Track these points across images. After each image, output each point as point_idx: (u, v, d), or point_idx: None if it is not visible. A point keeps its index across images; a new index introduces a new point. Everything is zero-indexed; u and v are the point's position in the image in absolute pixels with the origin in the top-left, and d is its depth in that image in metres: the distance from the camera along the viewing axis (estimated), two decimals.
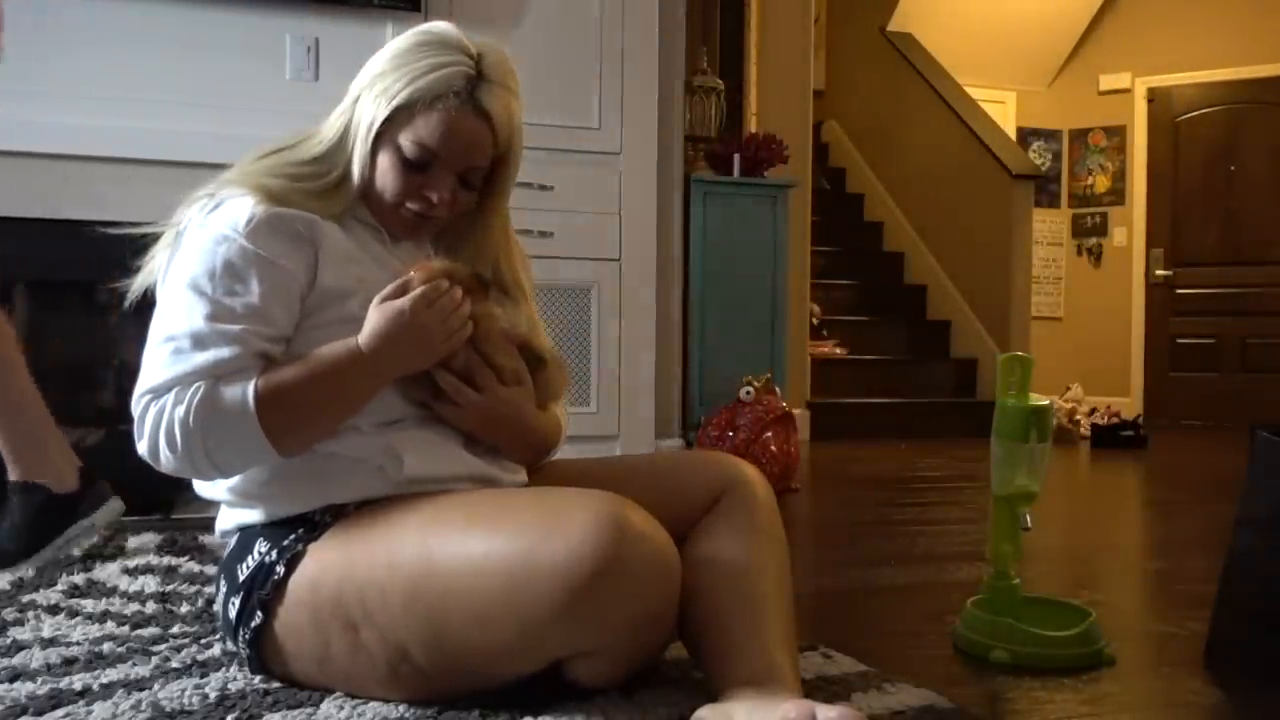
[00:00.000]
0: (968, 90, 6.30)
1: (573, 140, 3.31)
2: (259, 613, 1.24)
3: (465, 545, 1.12)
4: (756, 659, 1.15)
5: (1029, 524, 1.58)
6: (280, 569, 1.22)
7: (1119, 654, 1.52)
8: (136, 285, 1.34)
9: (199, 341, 1.18)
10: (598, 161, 3.36)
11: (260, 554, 1.25)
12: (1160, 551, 2.64)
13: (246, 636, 1.26)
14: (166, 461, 1.20)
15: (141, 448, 1.20)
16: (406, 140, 1.27)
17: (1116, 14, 7.00)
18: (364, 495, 1.24)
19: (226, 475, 1.24)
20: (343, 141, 1.31)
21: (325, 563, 1.20)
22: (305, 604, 1.21)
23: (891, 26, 6.56)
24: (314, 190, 1.29)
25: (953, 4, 6.70)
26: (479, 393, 1.28)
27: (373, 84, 1.29)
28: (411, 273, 1.25)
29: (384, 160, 1.29)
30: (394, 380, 1.25)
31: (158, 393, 1.18)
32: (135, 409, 1.21)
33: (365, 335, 1.22)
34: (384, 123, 1.27)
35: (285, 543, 1.24)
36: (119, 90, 2.72)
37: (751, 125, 4.61)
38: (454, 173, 1.30)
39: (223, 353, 1.18)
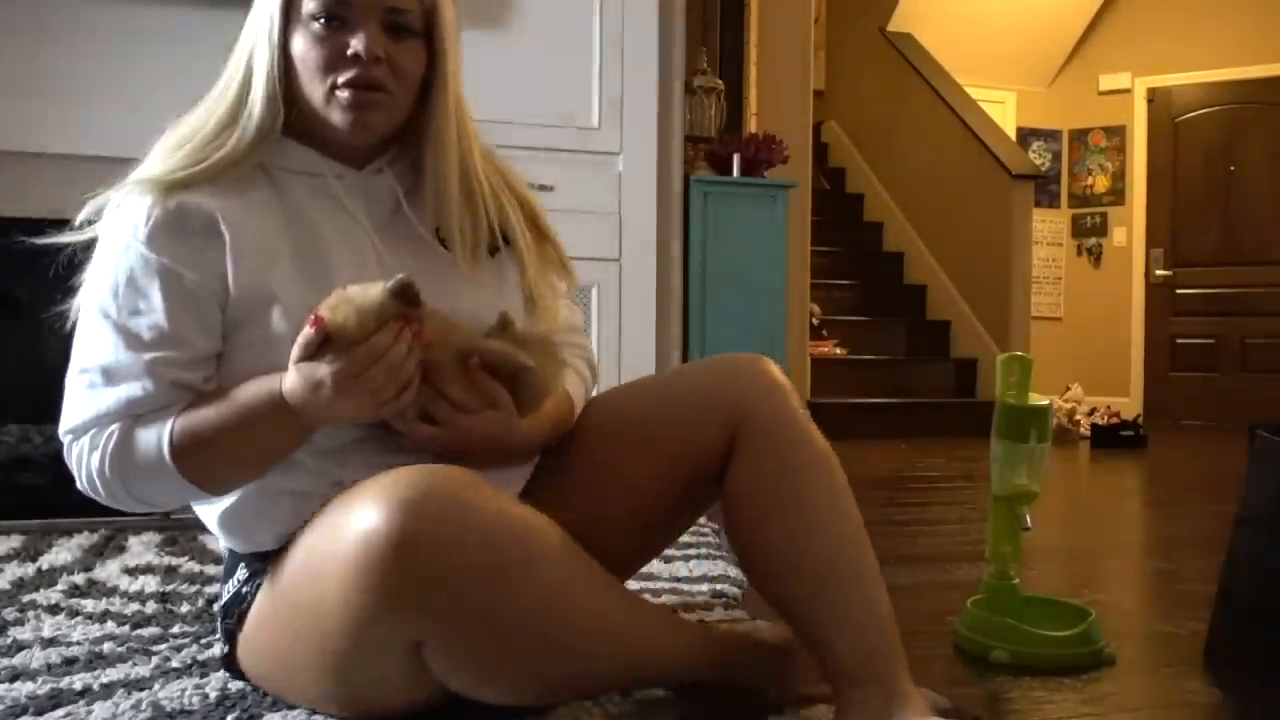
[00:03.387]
0: (968, 90, 6.30)
1: (573, 140, 3.31)
2: (228, 639, 1.23)
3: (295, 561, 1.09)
4: (824, 652, 1.10)
5: (1029, 524, 1.58)
6: (248, 600, 1.19)
7: (1119, 654, 1.52)
8: (75, 306, 1.16)
9: (109, 376, 1.07)
10: (598, 161, 3.36)
11: (238, 581, 1.22)
12: (1160, 551, 2.64)
13: (224, 652, 1.25)
14: (105, 501, 1.12)
15: (79, 486, 1.13)
16: (310, 4, 1.10)
17: (1116, 14, 7.00)
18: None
19: (169, 508, 1.18)
20: (248, 73, 1.13)
21: (263, 601, 1.16)
22: (259, 639, 1.17)
23: (891, 26, 6.56)
24: (229, 155, 1.11)
25: (953, 4, 6.70)
26: (437, 426, 1.09)
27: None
28: (322, 312, 1.00)
29: (298, 47, 1.11)
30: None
31: (76, 434, 1.10)
32: (63, 447, 1.12)
33: (287, 387, 1.03)
34: (282, 12, 1.11)
35: (254, 573, 1.19)
36: (120, 90, 2.72)
37: (751, 125, 4.60)
38: (375, 21, 1.10)
39: (134, 389, 1.07)
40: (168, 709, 1.19)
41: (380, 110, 1.13)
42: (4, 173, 2.66)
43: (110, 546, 2.12)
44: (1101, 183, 7.15)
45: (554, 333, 1.25)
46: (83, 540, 2.16)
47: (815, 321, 5.38)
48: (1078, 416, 5.38)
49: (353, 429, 1.11)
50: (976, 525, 2.69)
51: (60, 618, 1.61)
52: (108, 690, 1.25)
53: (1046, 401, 1.58)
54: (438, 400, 1.07)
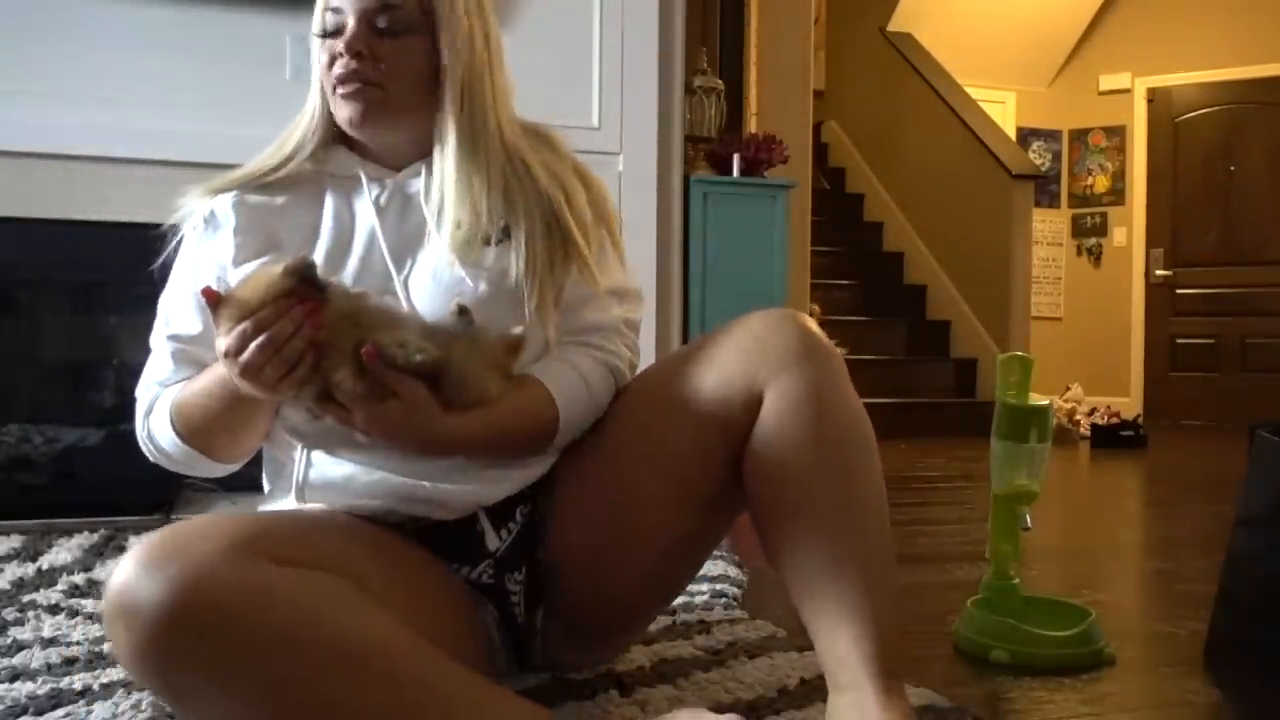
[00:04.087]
0: (968, 90, 6.30)
1: (573, 140, 3.31)
2: None
3: None
4: (825, 651, 1.06)
5: (1029, 524, 1.58)
6: None
7: (1119, 654, 1.52)
8: None
9: (151, 351, 1.23)
10: (598, 161, 3.33)
11: None
12: (1160, 551, 2.64)
13: None
14: (153, 458, 1.23)
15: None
16: (314, 24, 1.19)
17: (1116, 14, 7.00)
18: (292, 506, 1.15)
19: (201, 473, 1.23)
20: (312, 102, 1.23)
21: None
22: None
23: (891, 26, 6.56)
24: (282, 160, 1.21)
25: (953, 4, 6.70)
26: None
27: None
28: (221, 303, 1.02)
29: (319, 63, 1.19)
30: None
31: (137, 400, 1.23)
32: None
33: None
34: (317, 35, 1.19)
35: None
36: (119, 90, 2.72)
37: (751, 125, 4.60)
38: (362, 21, 1.15)
39: (161, 364, 1.21)
40: (167, 709, 1.19)
41: (369, 103, 1.16)
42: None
43: (110, 546, 2.13)
44: (1101, 183, 7.15)
45: (538, 330, 1.18)
46: (83, 540, 2.16)
47: (815, 321, 5.37)
48: (1078, 416, 5.38)
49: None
50: (976, 525, 2.69)
51: (60, 618, 1.61)
52: (108, 690, 1.25)
53: (1046, 401, 1.58)
54: (334, 385, 1.03)
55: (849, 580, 1.06)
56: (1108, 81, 7.07)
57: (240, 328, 0.98)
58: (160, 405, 1.19)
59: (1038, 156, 7.14)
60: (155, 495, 2.50)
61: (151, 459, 1.22)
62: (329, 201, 1.21)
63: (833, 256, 6.16)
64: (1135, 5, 6.93)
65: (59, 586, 1.80)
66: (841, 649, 1.04)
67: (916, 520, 2.83)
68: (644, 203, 3.44)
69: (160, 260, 1.26)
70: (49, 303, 2.94)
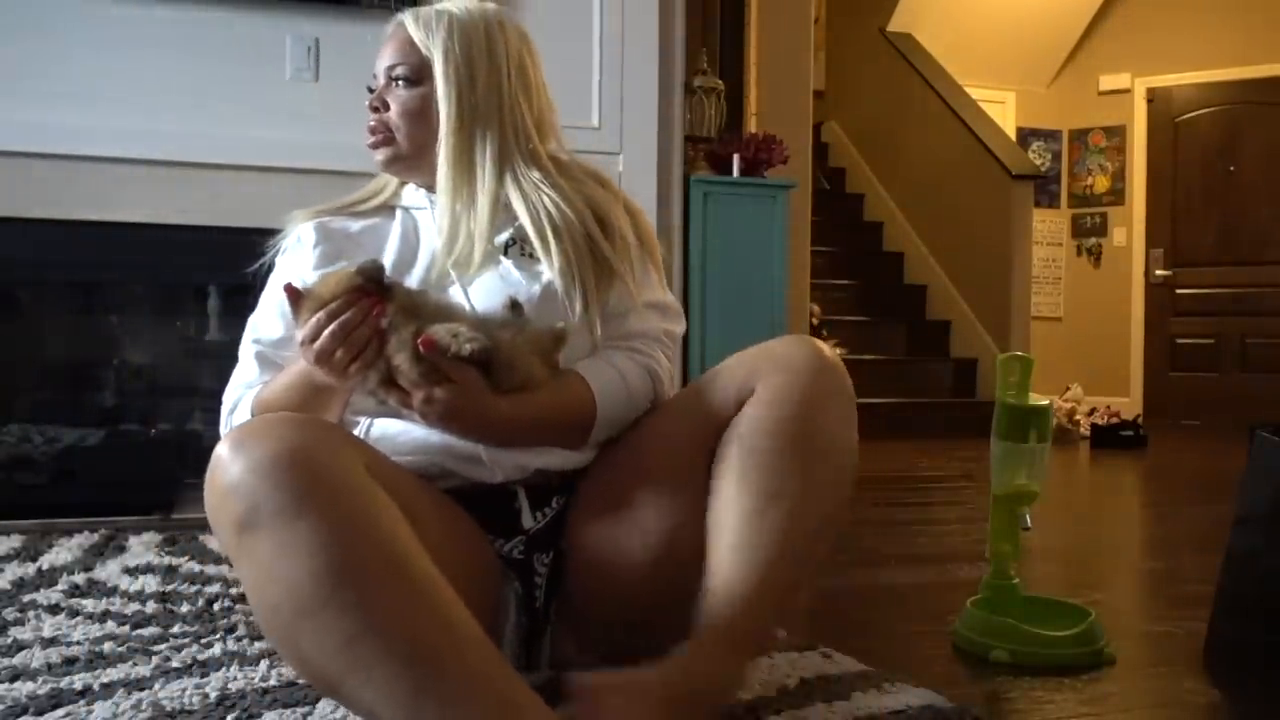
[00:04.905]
0: (968, 90, 6.30)
1: (572, 140, 3.30)
2: None
3: None
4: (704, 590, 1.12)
5: (1029, 524, 1.58)
6: None
7: (1119, 654, 1.52)
8: None
9: (239, 360, 1.35)
10: (597, 161, 3.35)
11: None
12: (1159, 551, 2.64)
13: None
14: None
15: None
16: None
17: (1116, 14, 7.00)
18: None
19: None
20: None
21: None
22: None
23: (891, 26, 6.56)
24: (366, 195, 1.42)
25: (953, 4, 6.70)
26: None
27: None
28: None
29: None
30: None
31: (224, 401, 1.35)
32: None
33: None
34: None
35: None
36: (119, 90, 2.72)
37: (751, 125, 4.60)
38: (387, 79, 1.35)
39: (244, 369, 1.33)
40: (168, 709, 1.19)
41: (382, 148, 1.36)
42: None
43: (110, 546, 2.13)
44: (1101, 183, 7.15)
45: (568, 330, 1.27)
46: (83, 540, 2.16)
47: (815, 321, 5.37)
48: (1078, 416, 5.38)
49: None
50: (977, 525, 2.69)
51: (60, 618, 1.61)
52: (108, 690, 1.26)
53: (1046, 401, 1.58)
54: (394, 369, 1.14)
55: (764, 548, 1.11)
56: (1107, 81, 7.07)
57: (316, 317, 1.11)
58: (244, 403, 1.29)
59: (1038, 156, 7.14)
60: (155, 495, 2.50)
61: None
62: (398, 229, 1.38)
63: (833, 256, 6.16)
64: (1135, 5, 6.93)
65: (59, 586, 1.80)
66: (716, 598, 1.09)
67: (917, 520, 2.83)
68: (644, 203, 3.42)
69: (256, 265, 1.41)
70: (49, 303, 2.94)
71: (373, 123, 1.36)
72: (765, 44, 4.67)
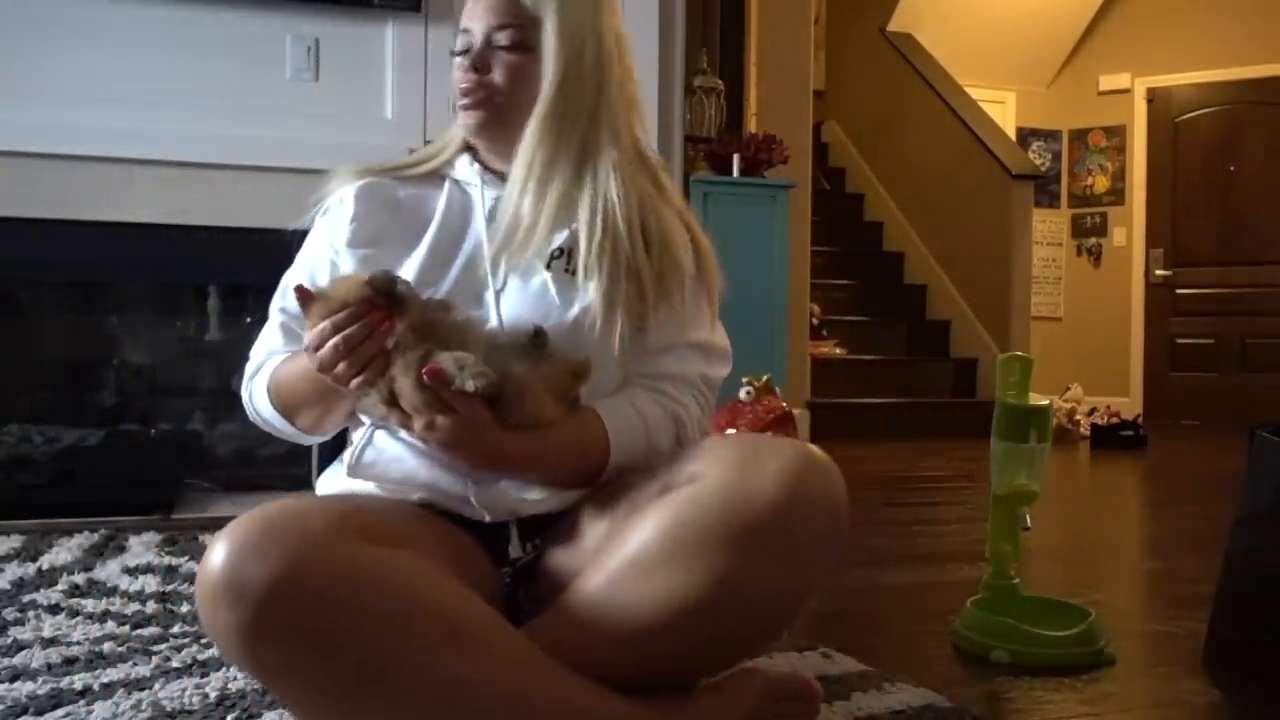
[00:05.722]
0: (967, 90, 6.30)
1: None
2: None
3: None
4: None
5: (1029, 524, 1.58)
6: None
7: (1119, 654, 1.53)
8: None
9: (269, 316, 1.31)
10: None
11: None
12: (1159, 551, 2.64)
13: None
14: (252, 418, 1.31)
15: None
16: (453, 46, 1.28)
17: (1116, 14, 7.00)
18: (343, 483, 1.20)
19: (290, 439, 1.31)
20: None
21: None
22: None
23: (891, 26, 6.56)
24: (417, 160, 1.32)
25: (953, 4, 6.70)
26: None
27: None
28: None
29: None
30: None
31: (249, 360, 1.31)
32: None
33: None
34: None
35: None
36: (119, 90, 2.72)
37: (751, 125, 4.60)
38: (483, 41, 1.23)
39: (270, 332, 1.29)
40: (168, 709, 1.19)
41: (476, 111, 1.24)
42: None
43: (110, 546, 2.13)
44: (1101, 183, 7.15)
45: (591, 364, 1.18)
46: (83, 540, 2.16)
47: (815, 321, 5.37)
48: (1078, 416, 5.38)
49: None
50: (976, 525, 2.69)
51: (60, 618, 1.61)
52: (108, 690, 1.26)
53: (1046, 401, 1.58)
54: (396, 392, 1.09)
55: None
56: (1107, 81, 7.07)
57: (320, 326, 1.06)
58: (263, 374, 1.27)
59: (1037, 156, 7.14)
60: (155, 495, 2.50)
61: (250, 417, 1.31)
62: (443, 204, 1.27)
63: (832, 256, 6.15)
64: (1135, 5, 6.93)
65: (59, 586, 1.80)
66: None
67: (917, 520, 2.83)
68: None
69: (299, 224, 1.33)
70: (49, 303, 2.94)
71: (467, 84, 1.23)
72: (765, 44, 4.67)
